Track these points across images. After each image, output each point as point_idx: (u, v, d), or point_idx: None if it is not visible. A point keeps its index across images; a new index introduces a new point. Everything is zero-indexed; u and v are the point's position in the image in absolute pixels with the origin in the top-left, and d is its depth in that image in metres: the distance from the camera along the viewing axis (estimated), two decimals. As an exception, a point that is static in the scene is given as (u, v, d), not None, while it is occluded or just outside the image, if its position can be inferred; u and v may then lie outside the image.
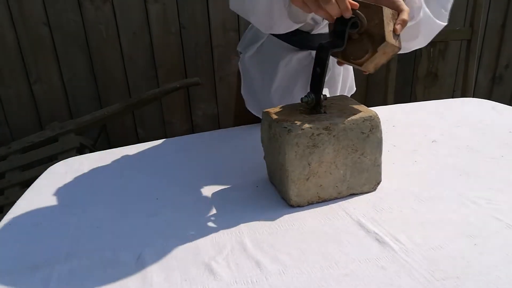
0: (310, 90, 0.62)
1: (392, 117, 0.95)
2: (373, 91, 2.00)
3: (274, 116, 0.62)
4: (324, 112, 0.62)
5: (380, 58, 0.60)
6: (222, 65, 1.93)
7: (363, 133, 0.60)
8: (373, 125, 0.60)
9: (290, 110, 0.64)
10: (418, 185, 0.65)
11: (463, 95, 1.92)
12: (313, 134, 0.58)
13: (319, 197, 0.62)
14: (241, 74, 0.94)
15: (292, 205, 0.61)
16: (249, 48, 0.91)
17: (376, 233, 0.53)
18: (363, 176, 0.63)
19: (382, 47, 0.58)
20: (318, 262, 0.49)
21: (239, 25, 1.87)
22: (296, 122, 0.58)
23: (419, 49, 1.95)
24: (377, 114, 0.61)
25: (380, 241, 0.52)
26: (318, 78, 0.61)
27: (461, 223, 0.54)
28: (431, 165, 0.71)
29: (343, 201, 0.62)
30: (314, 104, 0.62)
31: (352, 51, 0.62)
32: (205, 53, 1.89)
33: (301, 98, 0.62)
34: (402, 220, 0.56)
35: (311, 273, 0.47)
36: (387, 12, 0.58)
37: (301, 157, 0.58)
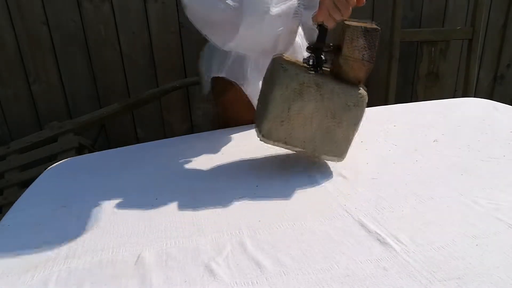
0: (311, 51, 0.64)
1: (393, 117, 0.94)
2: (374, 90, 2.00)
3: (280, 57, 0.65)
4: (322, 71, 0.64)
5: (353, 71, 0.63)
6: (222, 65, 1.92)
7: (347, 104, 0.62)
8: (358, 101, 0.62)
9: (296, 60, 0.66)
10: (419, 185, 0.64)
11: (464, 95, 1.92)
12: (304, 83, 0.60)
13: (285, 142, 0.64)
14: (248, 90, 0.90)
15: (261, 138, 0.64)
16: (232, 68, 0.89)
17: (378, 233, 0.53)
18: (330, 145, 0.64)
19: (342, 60, 0.62)
20: (319, 263, 0.48)
21: (239, 24, 1.86)
22: (294, 67, 0.61)
23: (420, 48, 1.92)
24: (366, 94, 0.62)
25: (381, 241, 0.51)
26: (319, 39, 0.64)
27: (463, 224, 0.54)
28: (432, 165, 0.71)
29: (344, 201, 0.61)
30: (316, 64, 0.64)
31: (334, 67, 0.66)
32: (205, 53, 1.88)
33: (303, 59, 0.65)
34: (403, 220, 0.56)
35: (312, 274, 0.47)
36: (353, 30, 0.61)
37: (285, 98, 0.61)
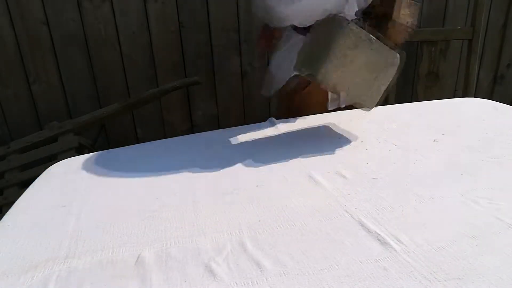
0: (360, 16, 0.81)
1: (393, 117, 0.94)
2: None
3: (338, 15, 0.80)
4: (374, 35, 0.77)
5: (396, 35, 0.79)
6: (222, 65, 1.92)
7: (387, 61, 0.76)
8: (396, 61, 0.76)
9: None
10: (419, 185, 0.64)
11: (465, 95, 1.92)
12: (361, 37, 0.74)
13: (334, 86, 0.77)
14: None
15: (318, 79, 0.76)
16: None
17: (378, 233, 0.53)
18: (366, 95, 0.78)
19: (391, 24, 0.78)
20: (319, 263, 0.48)
21: (239, 25, 1.87)
22: (355, 23, 0.76)
23: (420, 48, 1.94)
24: (399, 56, 0.76)
25: (381, 241, 0.51)
26: (369, 6, 0.82)
27: (463, 223, 0.54)
28: (432, 164, 0.71)
29: (344, 201, 0.61)
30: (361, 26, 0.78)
31: (379, 30, 0.79)
32: (205, 53, 1.89)
33: (352, 20, 0.78)
34: (403, 220, 0.56)
35: (312, 274, 0.46)
36: (401, 0, 0.77)
37: (344, 48, 0.74)
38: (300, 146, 0.82)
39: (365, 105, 0.80)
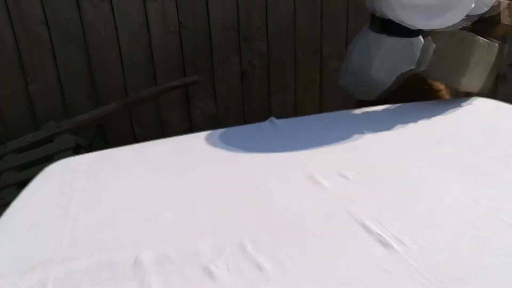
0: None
1: (394, 117, 0.94)
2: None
3: (465, 29, 0.94)
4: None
5: (499, 31, 0.98)
6: (221, 65, 1.92)
7: (493, 54, 0.95)
8: (495, 52, 0.95)
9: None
10: (420, 185, 0.64)
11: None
12: (484, 46, 0.93)
13: (466, 89, 0.99)
14: None
15: (460, 89, 0.99)
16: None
17: (380, 235, 0.52)
18: (475, 83, 0.98)
19: (499, 26, 0.95)
20: (320, 265, 0.48)
21: (239, 24, 1.87)
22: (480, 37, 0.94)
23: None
24: (498, 46, 0.94)
25: (383, 242, 0.51)
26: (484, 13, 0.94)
27: (464, 224, 0.54)
28: (433, 164, 0.71)
29: (345, 202, 0.61)
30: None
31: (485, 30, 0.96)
32: (204, 52, 1.88)
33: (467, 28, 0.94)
34: (404, 220, 0.55)
35: (313, 276, 0.46)
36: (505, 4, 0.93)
37: (477, 59, 0.93)
38: (300, 147, 0.82)
39: (474, 90, 0.98)
